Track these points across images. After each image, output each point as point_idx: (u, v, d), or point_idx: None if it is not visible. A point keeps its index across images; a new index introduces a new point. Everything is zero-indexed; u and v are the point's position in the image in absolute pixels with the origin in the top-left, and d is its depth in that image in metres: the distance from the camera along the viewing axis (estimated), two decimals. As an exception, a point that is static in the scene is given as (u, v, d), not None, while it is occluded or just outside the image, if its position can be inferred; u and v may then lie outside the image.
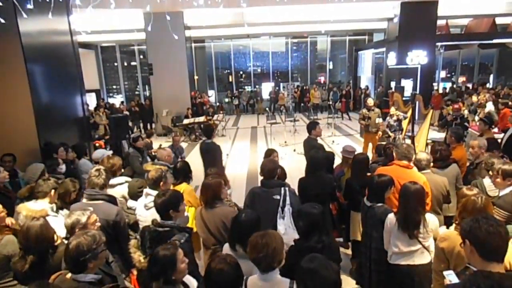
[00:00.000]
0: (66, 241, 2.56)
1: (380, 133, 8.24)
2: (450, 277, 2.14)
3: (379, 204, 3.11)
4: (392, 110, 8.06)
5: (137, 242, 2.56)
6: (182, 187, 3.69)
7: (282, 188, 3.31)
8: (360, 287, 3.48)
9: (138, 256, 2.46)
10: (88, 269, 2.06)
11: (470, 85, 18.70)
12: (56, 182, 3.24)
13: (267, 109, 17.21)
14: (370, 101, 8.67)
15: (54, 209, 3.12)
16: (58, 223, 2.69)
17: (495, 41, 15.91)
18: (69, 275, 2.05)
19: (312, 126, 5.53)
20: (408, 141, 7.99)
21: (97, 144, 8.46)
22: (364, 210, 3.25)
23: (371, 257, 3.13)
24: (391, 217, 2.92)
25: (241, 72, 25.10)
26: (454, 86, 18.74)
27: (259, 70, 24.94)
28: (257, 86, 22.57)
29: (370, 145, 8.24)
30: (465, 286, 1.56)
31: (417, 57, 13.36)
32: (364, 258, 3.24)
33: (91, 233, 2.16)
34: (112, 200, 3.19)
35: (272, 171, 3.43)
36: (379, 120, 8.31)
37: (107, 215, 2.92)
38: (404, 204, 2.83)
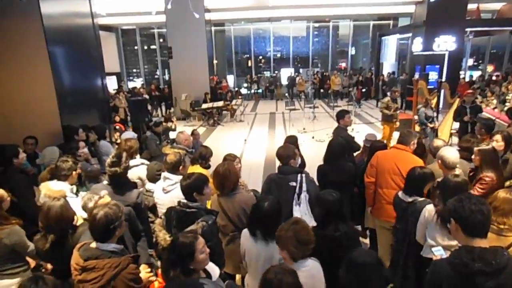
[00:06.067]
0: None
1: (398, 123, 8.39)
2: (438, 252, 2.23)
3: (421, 199, 2.83)
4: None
5: (162, 221, 2.59)
6: (197, 170, 3.65)
7: (299, 175, 3.26)
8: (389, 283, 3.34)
9: (163, 235, 2.47)
10: (114, 237, 2.17)
11: (498, 74, 17.90)
12: (74, 163, 3.30)
13: (286, 94, 16.99)
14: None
15: (74, 190, 3.17)
16: (77, 204, 2.72)
17: (529, 27, 15.12)
18: (93, 244, 2.14)
19: (340, 115, 5.28)
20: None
21: (117, 127, 8.58)
22: (400, 206, 2.96)
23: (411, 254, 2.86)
24: (430, 209, 2.66)
25: (260, 57, 24.82)
26: (484, 74, 18.01)
27: (279, 55, 24.60)
28: (276, 72, 22.31)
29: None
30: (449, 260, 1.74)
31: (445, 43, 12.82)
32: (399, 255, 2.97)
33: (113, 203, 2.26)
34: (132, 185, 3.26)
35: (284, 158, 3.41)
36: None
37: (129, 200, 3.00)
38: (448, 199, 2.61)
